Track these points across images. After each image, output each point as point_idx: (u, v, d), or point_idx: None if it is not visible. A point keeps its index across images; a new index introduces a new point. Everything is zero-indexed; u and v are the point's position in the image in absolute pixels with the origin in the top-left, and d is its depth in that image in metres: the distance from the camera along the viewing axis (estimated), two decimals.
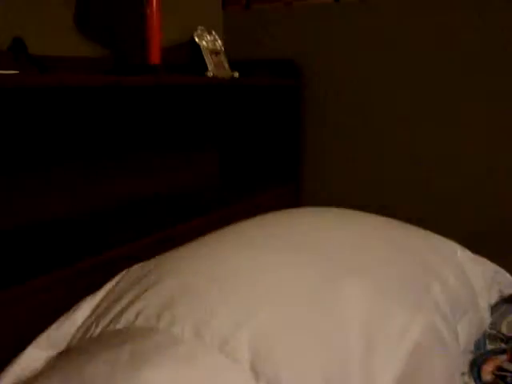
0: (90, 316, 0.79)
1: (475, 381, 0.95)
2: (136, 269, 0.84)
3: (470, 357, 1.00)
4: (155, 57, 1.07)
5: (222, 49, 1.44)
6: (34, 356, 0.76)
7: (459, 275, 0.95)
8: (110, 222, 1.13)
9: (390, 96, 1.48)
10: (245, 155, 1.56)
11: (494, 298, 1.09)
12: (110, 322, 0.72)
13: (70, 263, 0.91)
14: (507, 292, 1.12)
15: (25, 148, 1.02)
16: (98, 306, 0.80)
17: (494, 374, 0.97)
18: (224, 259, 0.78)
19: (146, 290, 0.74)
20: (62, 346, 0.77)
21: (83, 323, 0.78)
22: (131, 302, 0.72)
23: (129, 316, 0.70)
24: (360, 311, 0.68)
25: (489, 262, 1.10)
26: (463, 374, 0.96)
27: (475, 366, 0.99)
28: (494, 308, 1.15)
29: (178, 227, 1.13)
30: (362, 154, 1.54)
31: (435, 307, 0.78)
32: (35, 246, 0.99)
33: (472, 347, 1.03)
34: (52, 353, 0.76)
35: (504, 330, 1.11)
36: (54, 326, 0.80)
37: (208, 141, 1.49)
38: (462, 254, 1.03)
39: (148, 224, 1.12)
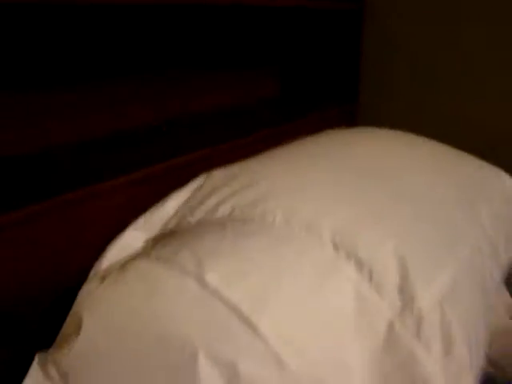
0: (181, 207, 0.90)
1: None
2: (219, 172, 0.95)
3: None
4: None
5: None
6: (133, 236, 0.87)
7: (504, 198, 1.04)
8: (176, 134, 1.22)
9: (456, 25, 1.50)
10: (305, 77, 1.61)
11: None
12: (206, 213, 0.84)
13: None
14: None
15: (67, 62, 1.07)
16: (188, 199, 0.91)
17: None
18: (306, 167, 0.90)
19: (238, 189, 0.85)
20: (157, 230, 0.89)
21: (176, 212, 0.89)
22: (225, 198, 0.84)
23: (224, 209, 0.82)
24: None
25: None
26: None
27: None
28: None
29: (238, 140, 1.22)
30: (421, 80, 1.58)
31: (482, 232, 0.88)
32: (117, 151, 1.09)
33: None
34: (149, 234, 0.88)
35: None
36: (147, 213, 0.91)
37: (270, 62, 1.55)
38: (507, 180, 1.11)
39: (211, 136, 1.21)
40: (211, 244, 0.72)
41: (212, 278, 0.66)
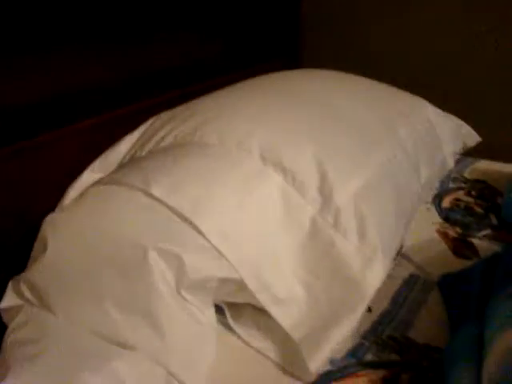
0: (133, 146, 1.00)
1: (436, 207, 1.20)
2: (166, 113, 1.05)
3: (434, 192, 1.25)
4: None
5: None
6: (91, 177, 0.95)
7: (426, 124, 1.17)
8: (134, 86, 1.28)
9: None
10: (248, 34, 1.68)
11: (458, 146, 1.31)
12: (153, 145, 0.94)
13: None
14: (470, 144, 1.35)
15: None
16: (138, 139, 1.01)
17: (451, 203, 1.22)
18: (241, 96, 1.01)
19: (181, 122, 0.95)
20: (112, 169, 0.98)
21: (128, 151, 0.99)
22: (170, 130, 0.94)
23: (169, 139, 0.92)
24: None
25: (453, 116, 1.31)
26: (427, 202, 1.21)
27: (437, 198, 1.24)
28: (460, 159, 1.39)
29: (187, 88, 1.29)
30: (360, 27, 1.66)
31: (398, 145, 1.01)
32: None
33: (437, 185, 1.28)
34: (105, 174, 0.97)
35: (466, 175, 1.36)
36: (102, 156, 1.00)
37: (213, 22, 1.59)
38: (432, 110, 1.24)
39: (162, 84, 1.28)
40: (155, 164, 0.82)
41: (157, 190, 0.76)
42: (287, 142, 0.87)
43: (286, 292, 0.76)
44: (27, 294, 0.77)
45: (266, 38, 1.66)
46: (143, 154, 0.95)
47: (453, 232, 1.10)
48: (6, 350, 0.69)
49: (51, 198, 0.94)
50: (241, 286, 0.75)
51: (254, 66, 1.53)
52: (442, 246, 1.06)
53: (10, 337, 0.71)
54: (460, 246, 1.05)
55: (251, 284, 0.74)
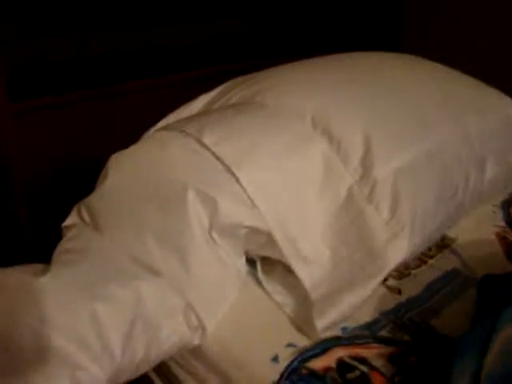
0: (205, 105, 1.06)
1: (503, 212, 1.14)
2: (240, 78, 1.11)
3: (505, 196, 1.19)
4: None
5: None
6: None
7: (504, 122, 1.11)
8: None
9: None
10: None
11: None
12: (221, 104, 1.00)
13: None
14: None
15: None
16: (212, 97, 1.07)
17: None
18: (305, 69, 1.05)
19: (247, 86, 1.01)
20: None
21: (202, 107, 1.06)
22: (237, 92, 1.00)
23: (235, 99, 0.98)
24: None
25: None
26: (494, 205, 1.16)
27: (507, 203, 1.18)
28: None
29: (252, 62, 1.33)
30: None
31: (461, 135, 0.98)
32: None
33: (511, 190, 1.21)
34: None
35: None
36: (178, 110, 1.07)
37: None
38: None
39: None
40: (214, 118, 0.89)
41: (207, 138, 0.82)
42: (340, 111, 0.89)
43: (311, 251, 0.79)
44: (84, 214, 0.87)
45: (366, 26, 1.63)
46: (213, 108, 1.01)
47: None
48: (53, 256, 0.79)
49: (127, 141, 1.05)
50: (270, 238, 0.79)
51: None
52: (496, 248, 1.01)
53: (59, 246, 0.80)
54: None
55: (278, 236, 0.78)
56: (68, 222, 0.88)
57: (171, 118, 1.05)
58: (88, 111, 1.13)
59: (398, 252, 0.76)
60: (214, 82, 1.13)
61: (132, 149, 0.90)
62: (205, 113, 0.96)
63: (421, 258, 0.94)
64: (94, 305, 0.68)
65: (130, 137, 1.01)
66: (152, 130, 0.99)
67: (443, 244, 0.99)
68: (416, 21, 1.67)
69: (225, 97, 1.03)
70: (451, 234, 1.02)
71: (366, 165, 0.82)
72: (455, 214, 0.95)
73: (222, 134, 0.83)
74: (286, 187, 0.80)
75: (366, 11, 1.60)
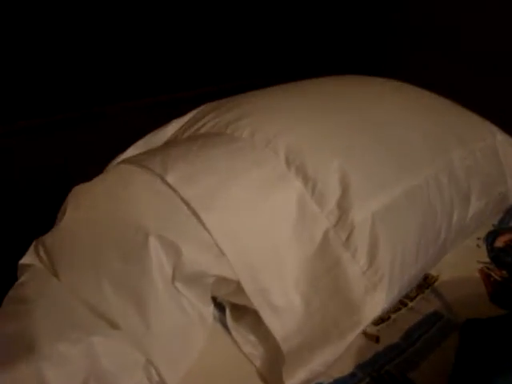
0: (177, 130, 1.01)
1: (487, 245, 1.10)
2: (214, 102, 1.05)
3: (490, 228, 1.15)
4: None
5: None
6: (133, 154, 0.98)
7: (489, 152, 1.06)
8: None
9: None
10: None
11: None
12: (194, 131, 0.94)
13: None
14: None
15: None
16: (184, 123, 1.02)
17: (505, 243, 1.12)
18: (282, 97, 0.99)
19: (221, 113, 0.95)
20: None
21: (173, 134, 1.00)
22: (211, 119, 0.94)
23: (206, 127, 0.92)
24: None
25: None
26: (478, 238, 1.11)
27: (491, 235, 1.13)
28: None
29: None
30: None
31: (446, 169, 0.93)
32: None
33: (495, 222, 1.17)
34: None
35: None
36: (148, 136, 1.02)
37: None
38: (502, 138, 1.13)
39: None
40: (180, 151, 0.82)
41: (171, 177, 0.76)
42: (316, 147, 0.83)
43: (283, 301, 0.73)
44: (42, 253, 0.80)
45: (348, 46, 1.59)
46: (183, 138, 0.95)
47: (497, 275, 1.01)
48: (3, 304, 0.72)
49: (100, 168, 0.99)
50: (239, 286, 0.73)
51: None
52: (480, 288, 0.97)
53: (10, 292, 0.74)
54: (499, 292, 0.96)
55: (248, 287, 0.72)
56: (25, 260, 0.82)
57: (141, 144, 0.99)
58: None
59: (374, 306, 0.71)
60: (191, 104, 1.08)
61: (93, 183, 0.84)
62: (172, 144, 0.90)
63: (401, 300, 0.89)
64: (40, 368, 0.62)
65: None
66: (118, 160, 0.94)
67: (424, 283, 0.95)
68: (399, 44, 1.64)
69: (197, 124, 0.97)
70: (433, 271, 0.97)
71: (343, 207, 0.76)
72: (437, 255, 0.90)
73: (188, 172, 0.77)
74: (256, 231, 0.74)
75: (349, 33, 1.56)
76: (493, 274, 1.01)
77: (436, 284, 0.95)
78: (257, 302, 0.72)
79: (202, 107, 1.06)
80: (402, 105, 1.02)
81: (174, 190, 0.74)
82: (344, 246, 0.73)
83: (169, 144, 0.91)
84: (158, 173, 0.77)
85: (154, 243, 0.70)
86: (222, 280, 0.73)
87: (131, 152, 0.98)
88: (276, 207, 0.76)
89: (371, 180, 0.80)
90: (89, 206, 0.80)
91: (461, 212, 0.94)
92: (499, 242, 1.12)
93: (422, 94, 1.12)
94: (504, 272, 1.02)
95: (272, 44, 1.38)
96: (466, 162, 0.98)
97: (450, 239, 0.92)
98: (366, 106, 0.97)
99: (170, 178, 0.75)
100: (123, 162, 0.86)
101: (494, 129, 1.14)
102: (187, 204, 0.73)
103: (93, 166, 0.94)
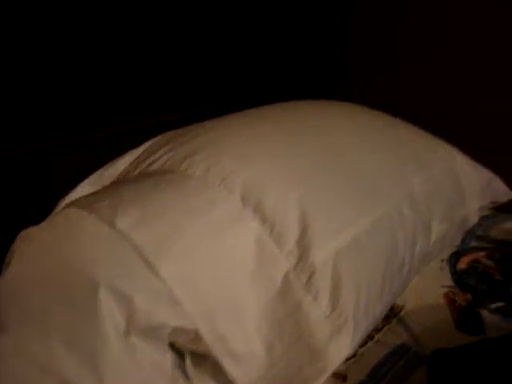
0: (130, 164, 0.97)
1: (450, 267, 1.09)
2: (168, 134, 1.01)
3: (453, 249, 1.15)
4: None
5: None
6: (85, 189, 0.94)
7: (449, 175, 1.06)
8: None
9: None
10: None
11: (486, 201, 1.19)
12: (146, 166, 0.90)
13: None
14: (501, 199, 1.22)
15: None
16: (137, 157, 0.97)
17: (468, 264, 1.11)
18: (239, 128, 0.95)
19: (174, 147, 0.91)
20: (106, 184, 0.96)
21: (125, 168, 0.96)
22: (163, 154, 0.90)
23: (159, 163, 0.88)
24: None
25: (486, 169, 1.19)
26: (442, 260, 1.10)
27: (454, 257, 1.13)
28: (490, 216, 1.27)
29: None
30: None
31: (407, 197, 0.91)
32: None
33: (458, 242, 1.17)
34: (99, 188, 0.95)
35: (493, 234, 1.24)
36: (101, 169, 0.98)
37: None
38: (460, 159, 1.13)
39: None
40: (130, 193, 0.78)
41: (122, 222, 0.71)
42: (273, 184, 0.80)
43: (244, 348, 0.70)
44: None
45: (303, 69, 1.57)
46: (134, 174, 0.91)
47: (462, 299, 1.00)
48: None
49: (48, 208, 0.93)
50: (198, 335, 0.70)
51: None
52: (446, 315, 0.95)
53: None
54: (464, 318, 0.95)
55: (207, 336, 0.69)
56: None
57: (92, 180, 0.95)
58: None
59: (339, 351, 0.69)
60: (150, 134, 1.05)
61: (40, 228, 0.79)
62: (123, 184, 0.85)
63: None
64: None
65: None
66: (67, 199, 0.89)
67: (391, 313, 0.92)
68: (356, 66, 1.64)
69: (151, 157, 0.93)
70: (398, 300, 0.95)
71: (303, 247, 0.73)
72: (402, 286, 0.88)
73: (139, 217, 0.73)
74: (214, 277, 0.71)
75: (305, 58, 1.54)
76: (457, 298, 1.00)
77: (402, 314, 0.93)
78: (217, 351, 0.69)
79: (159, 137, 1.02)
80: (361, 131, 1.01)
81: (125, 237, 0.70)
82: (305, 288, 0.71)
83: (119, 183, 0.87)
84: (107, 218, 0.72)
85: (104, 294, 0.66)
86: (179, 330, 0.69)
87: (83, 188, 0.94)
88: (233, 250, 0.73)
89: (332, 217, 0.78)
90: (36, 253, 0.75)
91: (423, 239, 0.93)
92: (462, 264, 1.12)
93: (379, 116, 1.11)
94: (468, 295, 1.01)
95: (230, 70, 1.35)
96: (427, 187, 0.97)
97: (414, 268, 0.91)
98: (324, 135, 0.94)
99: (120, 224, 0.71)
100: (71, 204, 0.81)
101: (452, 149, 1.15)
102: (139, 251, 0.69)
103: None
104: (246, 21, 1.35)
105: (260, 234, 0.74)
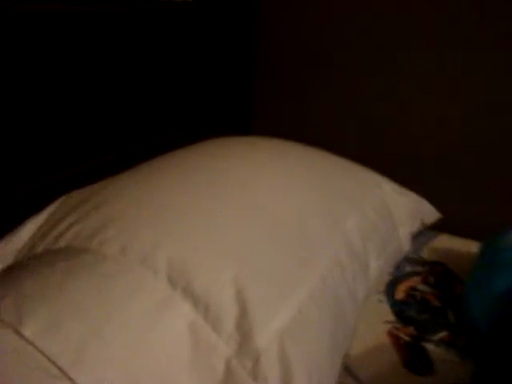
0: (35, 234, 0.84)
1: (388, 299, 1.06)
2: (75, 194, 0.89)
3: (388, 278, 1.12)
4: None
5: None
6: None
7: (379, 207, 1.03)
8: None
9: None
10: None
11: (416, 226, 1.18)
12: (52, 241, 0.78)
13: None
14: (428, 221, 1.22)
15: None
16: (41, 226, 0.85)
17: (406, 292, 1.09)
18: (154, 190, 0.85)
19: (85, 214, 0.80)
20: (9, 261, 0.82)
21: (29, 240, 0.83)
22: (71, 225, 0.79)
23: (68, 236, 0.76)
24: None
25: (412, 193, 1.19)
26: (379, 292, 1.07)
27: (391, 286, 1.10)
28: (417, 235, 1.26)
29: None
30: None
31: (344, 244, 0.87)
32: None
33: (391, 269, 1.14)
34: (3, 264, 0.81)
35: (425, 255, 1.23)
36: (2, 241, 0.84)
37: None
38: (386, 186, 1.11)
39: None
40: (36, 287, 0.66)
41: (29, 327, 0.60)
42: (202, 259, 0.71)
43: None
44: None
45: (214, 104, 1.50)
46: (40, 249, 0.79)
47: (405, 334, 0.97)
48: None
49: None
50: None
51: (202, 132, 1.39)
52: (392, 356, 0.92)
53: None
54: (411, 356, 0.92)
55: None
56: None
57: None
58: None
59: None
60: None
61: None
62: (26, 271, 0.71)
63: None
64: None
65: None
66: None
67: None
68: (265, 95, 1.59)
69: (57, 227, 0.81)
70: None
71: (244, 329, 0.65)
72: (349, 341, 0.83)
73: (50, 320, 0.61)
74: (144, 376, 0.61)
75: (214, 94, 1.47)
76: (401, 334, 0.97)
77: (349, 363, 0.88)
78: None
79: (62, 200, 0.90)
80: (285, 172, 0.94)
81: (34, 345, 0.59)
82: (251, 376, 0.63)
83: (24, 268, 0.74)
84: (11, 323, 0.60)
85: None
86: None
87: None
88: (163, 343, 0.63)
89: (271, 289, 0.70)
90: None
91: (364, 283, 0.89)
92: (400, 293, 1.09)
93: (301, 151, 1.06)
94: (411, 328, 0.99)
95: (139, 112, 1.24)
96: (361, 227, 0.93)
97: (356, 315, 0.86)
98: (246, 188, 0.86)
99: (27, 331, 0.59)
100: None
101: (379, 179, 1.12)
102: (52, 361, 0.58)
103: None
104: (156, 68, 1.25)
105: (193, 320, 0.65)
